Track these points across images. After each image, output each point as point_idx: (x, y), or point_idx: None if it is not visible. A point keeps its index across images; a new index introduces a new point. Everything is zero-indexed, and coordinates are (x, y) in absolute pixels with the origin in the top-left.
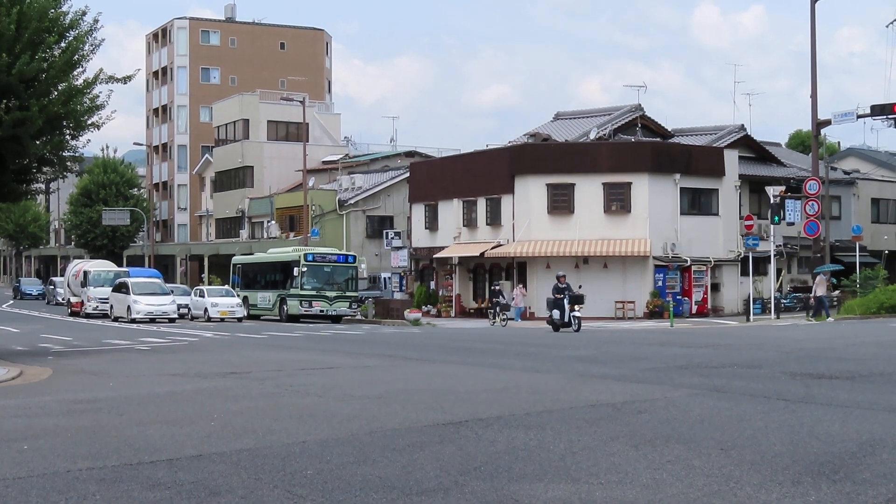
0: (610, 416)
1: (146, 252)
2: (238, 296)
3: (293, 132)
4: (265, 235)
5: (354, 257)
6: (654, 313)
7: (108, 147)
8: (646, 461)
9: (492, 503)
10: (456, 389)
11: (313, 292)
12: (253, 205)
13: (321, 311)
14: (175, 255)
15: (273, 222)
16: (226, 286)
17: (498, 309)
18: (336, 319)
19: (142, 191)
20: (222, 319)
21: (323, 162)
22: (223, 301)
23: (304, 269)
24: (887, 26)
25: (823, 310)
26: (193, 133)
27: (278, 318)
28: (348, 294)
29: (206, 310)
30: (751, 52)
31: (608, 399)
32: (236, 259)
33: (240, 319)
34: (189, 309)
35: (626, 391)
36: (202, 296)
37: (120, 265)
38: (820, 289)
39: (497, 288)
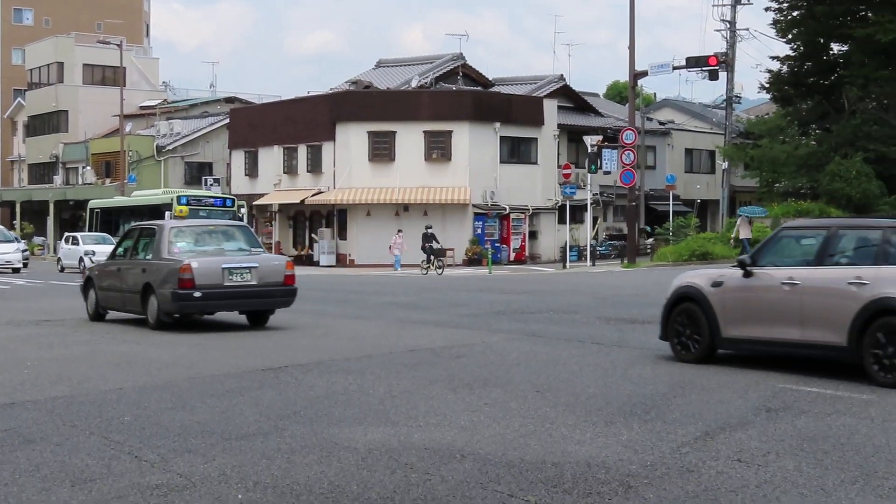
0: (429, 361)
1: None
2: None
3: (110, 76)
4: (80, 181)
5: (233, 200)
6: (472, 261)
7: None
8: (464, 404)
9: (311, 447)
10: (276, 336)
11: None
12: (67, 150)
13: None
14: None
15: (89, 168)
16: (102, 233)
17: (432, 256)
18: None
19: None
20: None
21: (140, 107)
22: (102, 249)
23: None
24: None
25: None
26: (5, 76)
27: None
28: None
29: (80, 259)
30: (572, 4)
31: (427, 344)
32: (94, 203)
33: None
34: (60, 259)
35: (444, 336)
36: (76, 243)
37: None
38: (743, 231)
39: (430, 231)
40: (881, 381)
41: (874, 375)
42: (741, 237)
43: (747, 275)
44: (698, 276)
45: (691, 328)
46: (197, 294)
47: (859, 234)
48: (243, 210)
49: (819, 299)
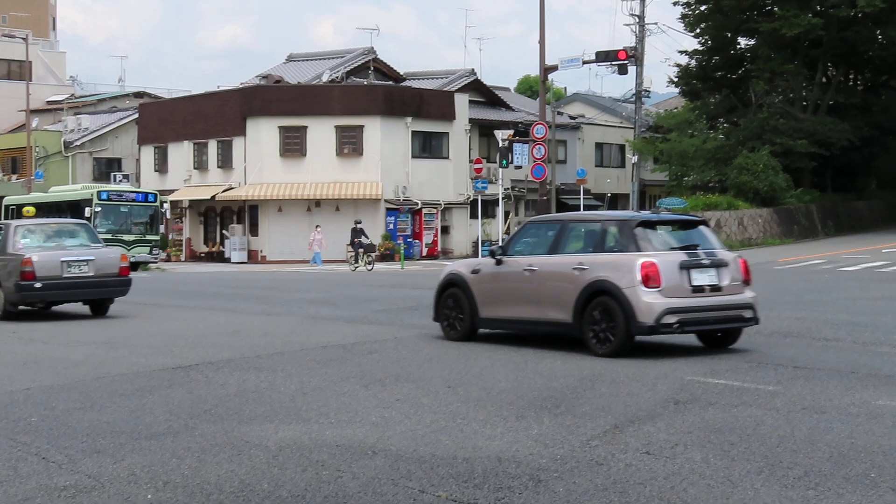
0: (341, 357)
1: None
2: None
3: (15, 70)
4: None
5: (155, 195)
6: (385, 256)
7: None
8: (375, 400)
9: (222, 445)
10: (186, 334)
11: (108, 236)
12: None
13: None
14: None
15: None
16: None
17: (362, 251)
18: (134, 267)
19: None
20: None
21: (47, 102)
22: None
23: (98, 209)
24: None
25: None
26: None
27: None
28: (149, 238)
29: None
30: None
31: (339, 340)
32: (10, 199)
33: None
34: None
35: (357, 332)
36: None
37: None
38: None
39: (359, 226)
40: (597, 351)
41: (592, 347)
42: None
43: (498, 263)
44: (462, 265)
45: (456, 310)
46: (38, 285)
47: (585, 227)
48: (166, 205)
49: (551, 283)
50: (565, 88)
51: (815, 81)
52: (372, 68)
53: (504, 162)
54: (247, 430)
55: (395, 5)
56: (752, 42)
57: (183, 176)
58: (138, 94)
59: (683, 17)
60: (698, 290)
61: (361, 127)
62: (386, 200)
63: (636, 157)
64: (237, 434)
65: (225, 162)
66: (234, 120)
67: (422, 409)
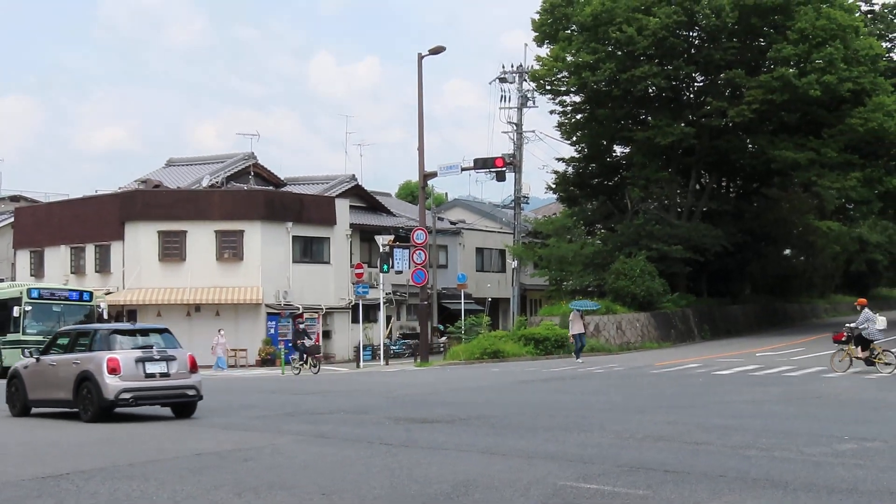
0: (215, 465)
1: None
2: None
3: None
4: None
5: (91, 294)
6: (266, 361)
7: None
8: None
9: None
10: (58, 442)
11: (39, 337)
12: None
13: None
14: None
15: None
16: None
17: (305, 355)
18: None
19: None
20: None
21: None
22: None
23: (28, 308)
24: (490, 83)
25: (578, 349)
26: None
27: None
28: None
29: None
30: (365, 104)
31: (214, 448)
32: None
33: None
34: None
35: (232, 439)
36: None
37: None
38: (576, 326)
39: (302, 327)
40: (83, 419)
41: (82, 416)
42: (574, 332)
43: (37, 361)
44: (20, 363)
45: (16, 395)
46: None
47: (86, 335)
48: (102, 304)
49: (62, 373)
50: (446, 194)
51: (689, 188)
52: (252, 173)
53: (385, 267)
54: None
55: (277, 110)
56: (627, 150)
57: (59, 280)
58: (14, 198)
59: (560, 125)
60: (151, 376)
61: (242, 232)
62: (267, 305)
63: (516, 262)
64: None
65: (103, 266)
66: (112, 224)
67: None
